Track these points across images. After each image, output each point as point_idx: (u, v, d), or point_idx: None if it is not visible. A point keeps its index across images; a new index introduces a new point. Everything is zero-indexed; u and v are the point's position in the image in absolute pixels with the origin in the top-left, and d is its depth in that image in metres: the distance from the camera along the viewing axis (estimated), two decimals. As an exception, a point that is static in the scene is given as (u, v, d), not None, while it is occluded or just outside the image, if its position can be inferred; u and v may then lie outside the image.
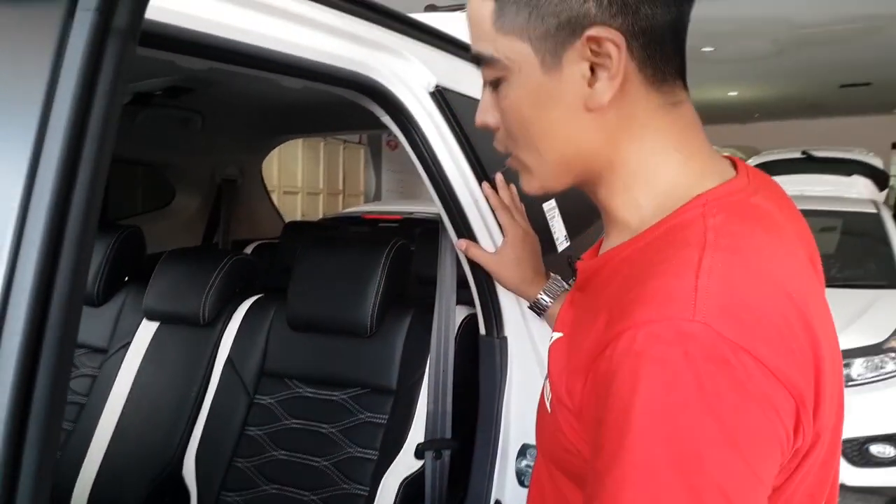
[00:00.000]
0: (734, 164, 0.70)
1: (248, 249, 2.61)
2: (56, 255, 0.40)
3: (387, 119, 1.24)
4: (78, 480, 1.71)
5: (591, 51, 0.60)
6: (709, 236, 0.57)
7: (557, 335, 0.72)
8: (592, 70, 0.61)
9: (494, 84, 0.67)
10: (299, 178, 8.95)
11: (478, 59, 0.67)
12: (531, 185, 0.70)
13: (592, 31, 0.59)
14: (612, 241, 0.69)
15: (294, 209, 8.76)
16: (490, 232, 1.35)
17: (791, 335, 0.54)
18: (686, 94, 0.66)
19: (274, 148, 2.99)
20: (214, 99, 2.09)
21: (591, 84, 0.62)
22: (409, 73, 1.22)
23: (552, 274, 1.21)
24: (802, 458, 0.56)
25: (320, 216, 8.45)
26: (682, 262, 0.55)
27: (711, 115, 11.88)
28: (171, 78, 1.71)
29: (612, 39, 0.59)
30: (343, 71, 1.08)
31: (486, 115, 0.70)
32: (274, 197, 8.57)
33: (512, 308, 1.40)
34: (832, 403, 0.58)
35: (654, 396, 0.51)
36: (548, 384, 0.72)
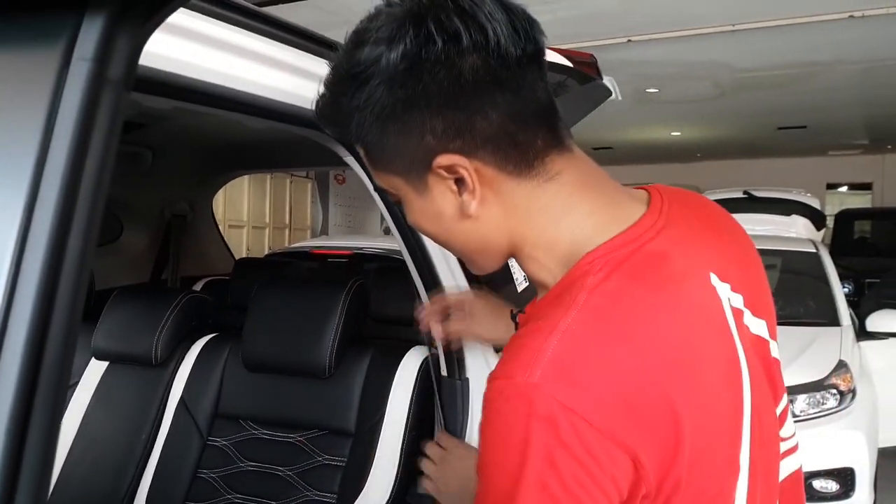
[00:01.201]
0: (650, 197, 0.71)
1: (198, 286, 2.56)
2: (50, 306, 0.39)
3: (350, 159, 1.25)
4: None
5: (446, 174, 0.65)
6: (580, 297, 0.61)
7: None
8: (459, 184, 0.66)
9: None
10: (245, 211, 8.85)
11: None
12: (475, 270, 0.76)
13: (437, 161, 0.64)
14: (539, 297, 0.74)
15: (240, 243, 8.64)
16: (451, 269, 1.36)
17: (637, 396, 0.58)
18: (567, 157, 0.68)
19: (225, 183, 2.96)
20: (166, 135, 2.06)
21: (459, 195, 0.66)
22: (373, 112, 1.23)
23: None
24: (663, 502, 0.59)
25: (266, 251, 8.35)
26: (547, 323, 0.60)
27: (655, 154, 12.23)
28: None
29: (456, 163, 0.64)
30: (307, 111, 1.08)
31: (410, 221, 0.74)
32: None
33: (473, 349, 1.40)
34: (712, 454, 0.62)
35: (490, 444, 0.59)
36: None
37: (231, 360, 1.63)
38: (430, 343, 1.36)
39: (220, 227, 8.32)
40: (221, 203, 8.25)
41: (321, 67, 1.09)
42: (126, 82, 0.43)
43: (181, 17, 0.83)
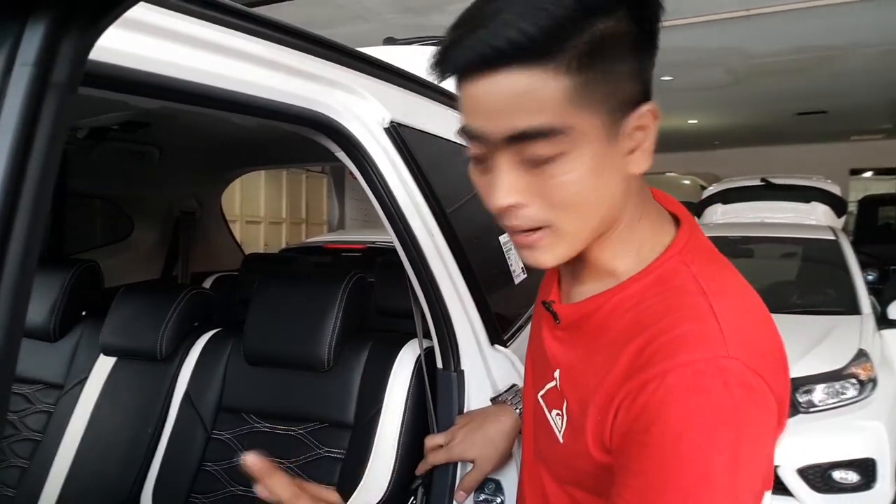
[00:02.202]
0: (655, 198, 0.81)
1: (208, 282, 2.59)
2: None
3: (341, 154, 1.26)
4: (32, 521, 1.67)
5: (639, 123, 0.68)
6: (701, 283, 0.68)
7: (557, 371, 0.82)
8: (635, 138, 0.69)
9: (538, 162, 0.66)
10: (262, 207, 8.91)
11: (534, 135, 0.64)
12: (559, 254, 0.71)
13: (646, 107, 0.68)
14: (591, 287, 0.78)
15: (257, 239, 8.70)
16: (445, 264, 1.37)
17: (776, 357, 0.68)
18: None
19: (233, 180, 2.99)
20: (172, 133, 2.09)
21: (632, 152, 0.69)
22: (363, 109, 1.24)
23: (504, 394, 1.37)
24: None
25: (283, 245, 8.41)
26: (695, 309, 0.66)
27: (672, 142, 12.13)
28: (126, 113, 1.71)
29: (653, 111, 0.68)
30: (296, 108, 1.09)
31: (513, 196, 0.68)
32: (236, 227, 8.52)
33: (469, 341, 1.41)
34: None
35: (705, 418, 0.62)
36: (555, 416, 0.80)
37: (234, 354, 1.65)
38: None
39: (237, 224, 8.34)
40: (238, 199, 8.32)
41: (311, 65, 1.11)
42: (71, 85, 0.44)
43: (162, 17, 0.85)
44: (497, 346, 1.46)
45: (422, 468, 1.35)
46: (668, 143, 12.20)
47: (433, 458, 1.31)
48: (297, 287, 1.62)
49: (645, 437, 0.64)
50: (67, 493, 1.68)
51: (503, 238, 1.67)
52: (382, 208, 1.28)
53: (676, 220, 0.79)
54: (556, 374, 0.82)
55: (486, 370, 1.42)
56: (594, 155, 0.66)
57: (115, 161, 2.15)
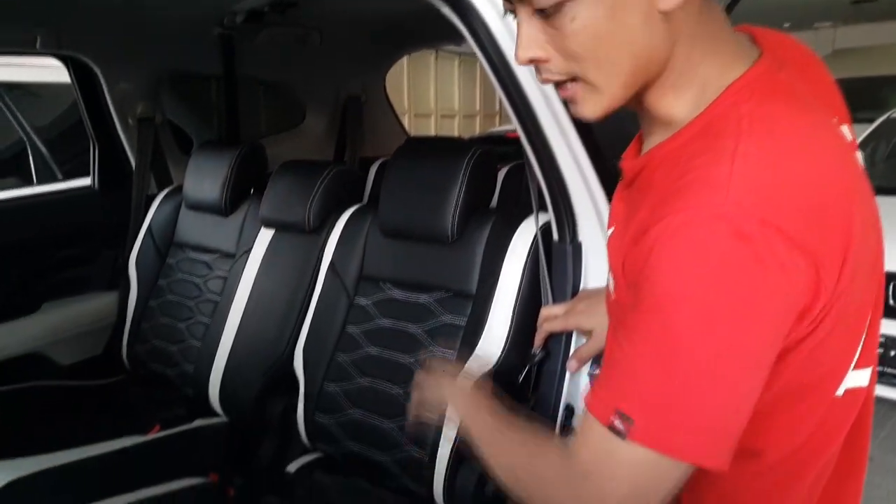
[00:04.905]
0: (754, 38, 0.72)
1: (374, 166, 2.70)
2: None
3: (463, 30, 1.22)
4: (213, 367, 1.92)
5: None
6: (743, 124, 0.61)
7: (611, 230, 0.81)
8: None
9: (547, 13, 0.65)
10: (456, 101, 9.02)
11: None
12: (596, 106, 0.69)
13: None
14: (655, 139, 0.73)
15: (451, 131, 8.86)
16: (570, 145, 1.30)
17: (819, 207, 0.59)
18: None
19: (393, 63, 3.02)
20: (327, 15, 2.15)
21: None
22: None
23: None
24: (827, 312, 0.62)
25: (475, 137, 8.48)
26: (718, 151, 0.60)
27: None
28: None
29: None
30: None
31: (531, 50, 0.68)
32: (431, 121, 8.72)
33: (588, 212, 1.36)
34: (863, 270, 0.63)
35: (684, 269, 0.58)
36: (609, 276, 0.79)
37: (372, 227, 1.73)
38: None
39: (432, 118, 8.54)
40: (432, 94, 8.49)
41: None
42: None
43: None
44: (621, 221, 1.39)
45: (538, 338, 1.36)
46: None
47: (549, 326, 1.32)
48: (425, 163, 1.65)
49: (637, 289, 0.63)
50: (237, 348, 1.90)
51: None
52: (503, 88, 1.24)
53: None
54: (610, 231, 0.80)
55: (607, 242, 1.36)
56: None
57: (280, 46, 2.27)
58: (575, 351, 1.31)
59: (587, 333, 1.26)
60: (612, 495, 0.64)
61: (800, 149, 0.61)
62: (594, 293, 1.30)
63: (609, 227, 0.82)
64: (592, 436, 0.65)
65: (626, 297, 0.67)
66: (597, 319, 1.23)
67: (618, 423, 0.62)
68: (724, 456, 0.61)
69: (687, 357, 0.59)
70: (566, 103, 1.28)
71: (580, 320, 1.26)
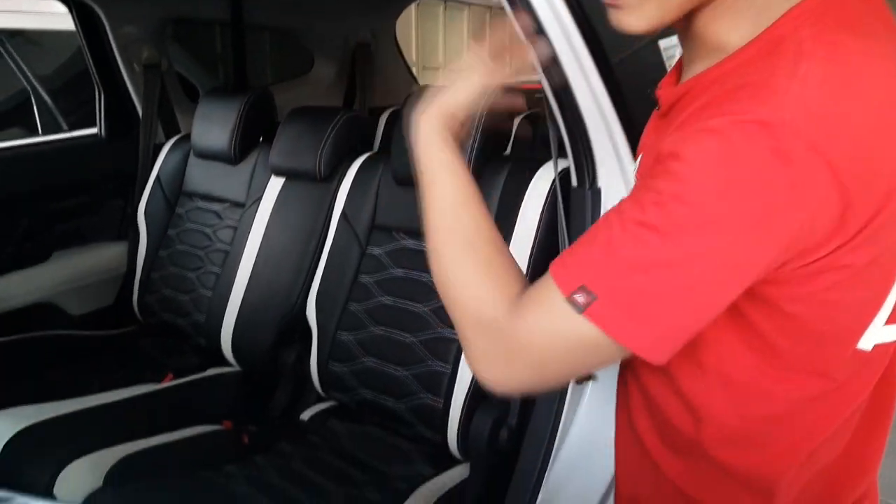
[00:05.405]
0: None
1: (384, 115, 2.66)
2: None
3: None
4: (225, 316, 1.92)
5: None
6: (805, 46, 0.57)
7: (639, 158, 0.76)
8: None
9: None
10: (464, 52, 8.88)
11: None
12: (643, 19, 0.64)
13: None
14: (699, 66, 0.68)
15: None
16: (591, 87, 1.26)
17: (873, 146, 0.55)
18: None
19: (402, 10, 2.94)
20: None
21: None
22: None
23: None
24: (847, 255, 0.58)
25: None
26: (776, 69, 0.56)
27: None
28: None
29: None
30: None
31: None
32: (439, 74, 8.57)
33: (608, 157, 1.33)
34: None
35: (709, 167, 0.54)
36: None
37: (385, 175, 1.70)
38: None
39: (440, 71, 8.38)
40: (441, 45, 8.35)
41: None
42: None
43: None
44: (641, 164, 1.36)
45: None
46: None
47: None
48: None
49: (652, 173, 0.59)
50: (249, 297, 1.89)
51: (664, 42, 1.51)
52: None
53: None
54: (637, 160, 0.76)
55: (628, 189, 1.33)
56: None
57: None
58: None
59: None
60: (546, 365, 0.63)
61: (864, 80, 0.57)
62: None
63: (637, 155, 0.78)
64: (546, 302, 0.61)
65: None
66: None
67: (578, 298, 0.58)
68: (668, 355, 0.59)
69: (678, 254, 0.55)
70: (590, 37, 1.25)
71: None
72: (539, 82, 1.44)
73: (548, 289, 0.61)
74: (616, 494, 0.90)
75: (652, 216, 0.56)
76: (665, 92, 0.73)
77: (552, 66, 1.23)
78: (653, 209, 0.56)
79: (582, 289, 0.58)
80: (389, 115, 2.67)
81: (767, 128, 0.53)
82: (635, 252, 0.57)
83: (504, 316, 0.64)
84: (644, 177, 0.62)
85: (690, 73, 0.69)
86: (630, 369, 0.81)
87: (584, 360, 0.63)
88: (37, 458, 1.46)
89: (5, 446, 1.50)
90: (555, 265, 0.63)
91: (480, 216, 0.73)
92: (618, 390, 0.88)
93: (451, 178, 0.76)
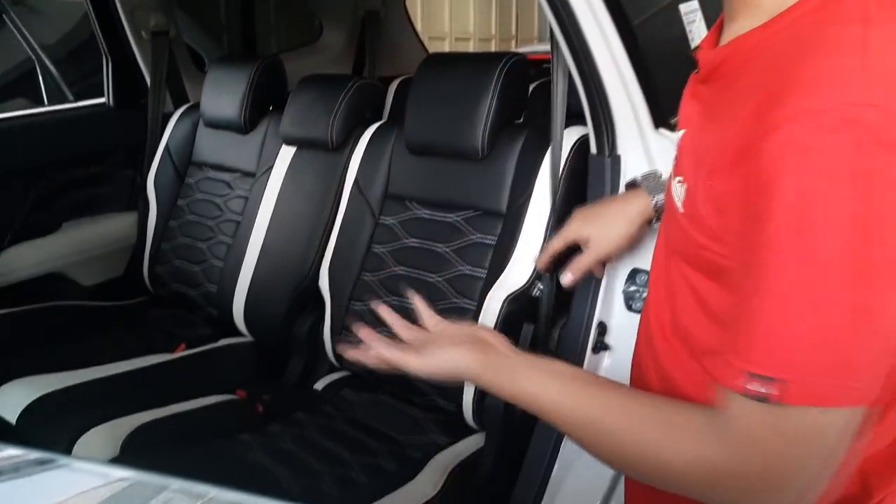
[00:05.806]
0: None
1: (394, 84, 2.62)
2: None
3: None
4: (237, 287, 1.91)
5: None
6: (870, 8, 0.52)
7: (681, 132, 0.72)
8: None
9: None
10: (471, 23, 8.75)
11: None
12: None
13: None
14: (740, 26, 0.63)
15: (465, 56, 8.63)
16: (612, 53, 1.23)
17: None
18: None
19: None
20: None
21: None
22: None
23: (640, 178, 1.19)
24: None
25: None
26: (842, 39, 0.51)
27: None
28: None
29: None
30: None
31: None
32: (445, 44, 8.48)
33: (628, 124, 1.30)
34: None
35: (820, 194, 0.49)
36: (677, 184, 0.70)
37: (398, 144, 1.68)
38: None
39: (446, 42, 8.28)
40: (447, 16, 8.24)
41: None
42: None
43: None
44: (662, 131, 1.33)
45: (541, 260, 1.30)
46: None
47: (549, 247, 1.24)
48: (452, 74, 1.58)
49: (753, 208, 0.52)
50: (261, 268, 1.88)
51: (686, 7, 1.47)
52: (557, 20, 1.16)
53: None
54: (681, 133, 0.72)
55: (647, 157, 1.31)
56: None
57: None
58: (570, 262, 1.22)
59: (585, 242, 1.18)
60: (800, 469, 0.54)
61: None
62: (591, 206, 1.25)
63: (679, 128, 0.74)
64: (738, 409, 0.54)
65: (708, 220, 0.61)
66: (594, 228, 1.17)
67: (757, 388, 0.52)
68: (877, 389, 0.53)
69: (835, 289, 0.50)
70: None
71: (577, 229, 1.18)
72: (547, 52, 1.41)
73: (727, 396, 0.55)
74: None
75: (791, 271, 0.50)
76: (704, 55, 0.69)
77: (573, 31, 1.21)
78: (787, 263, 0.51)
79: (752, 377, 0.52)
80: (399, 84, 2.63)
81: (861, 123, 0.48)
82: (790, 313, 0.51)
83: (720, 452, 0.56)
84: (722, 194, 0.58)
85: (731, 34, 0.65)
86: (650, 355, 0.78)
87: (832, 442, 0.53)
88: (53, 426, 1.46)
89: (21, 415, 1.50)
90: (710, 368, 0.58)
91: (599, 394, 0.67)
92: (632, 374, 0.86)
93: (549, 396, 0.69)
